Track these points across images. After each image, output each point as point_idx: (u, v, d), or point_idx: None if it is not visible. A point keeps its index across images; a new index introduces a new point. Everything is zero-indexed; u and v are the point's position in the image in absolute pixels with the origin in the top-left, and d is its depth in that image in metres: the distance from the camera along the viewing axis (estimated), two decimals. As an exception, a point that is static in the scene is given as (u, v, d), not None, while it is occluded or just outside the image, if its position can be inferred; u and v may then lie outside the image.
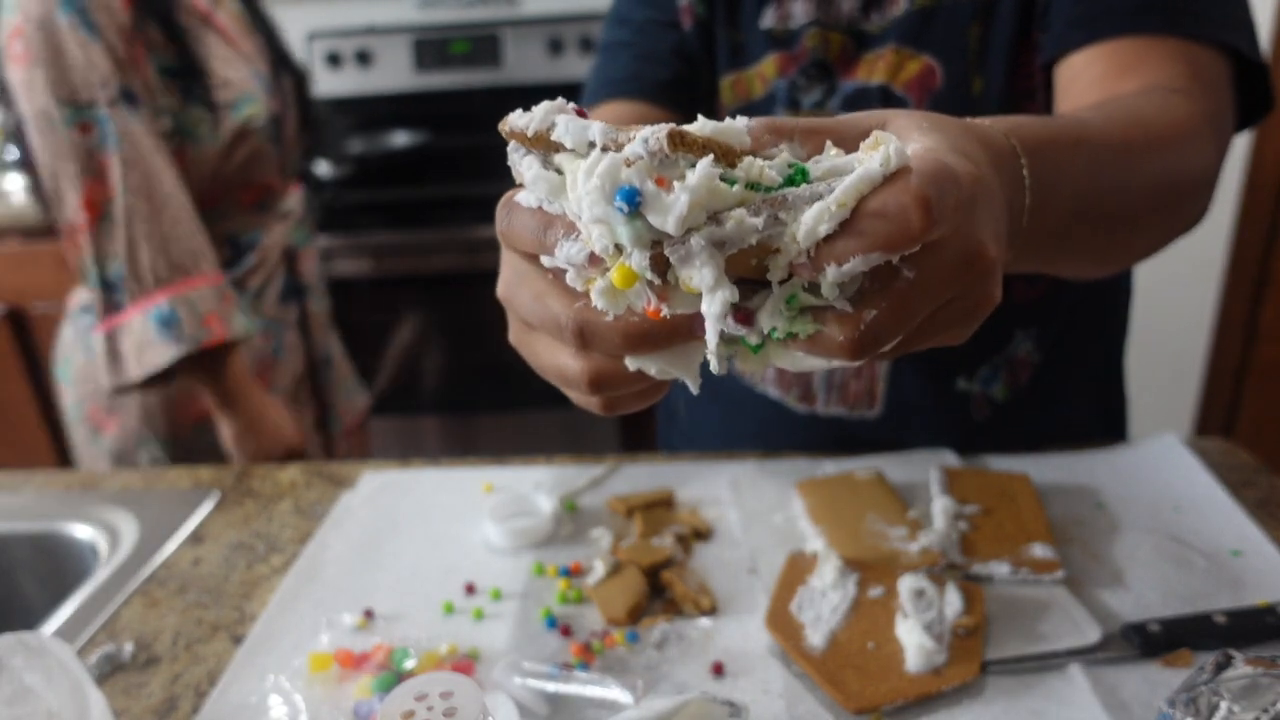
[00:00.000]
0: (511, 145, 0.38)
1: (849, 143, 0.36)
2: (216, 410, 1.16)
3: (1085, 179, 0.50)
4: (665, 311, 0.35)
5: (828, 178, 0.33)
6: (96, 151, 1.06)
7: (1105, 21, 0.67)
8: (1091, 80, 0.67)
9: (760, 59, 0.83)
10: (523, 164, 0.38)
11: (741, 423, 0.90)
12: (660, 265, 0.33)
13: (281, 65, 1.33)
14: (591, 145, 0.35)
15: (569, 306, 0.38)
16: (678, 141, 0.33)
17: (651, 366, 0.39)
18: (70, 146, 1.06)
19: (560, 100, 0.37)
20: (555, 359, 0.41)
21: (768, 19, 0.82)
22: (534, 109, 0.37)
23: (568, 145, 0.36)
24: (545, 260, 0.37)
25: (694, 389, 0.39)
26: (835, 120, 0.39)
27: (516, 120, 0.37)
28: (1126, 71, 0.65)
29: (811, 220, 0.32)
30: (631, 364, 0.39)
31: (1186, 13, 0.66)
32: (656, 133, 0.33)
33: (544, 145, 0.37)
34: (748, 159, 0.34)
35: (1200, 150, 0.61)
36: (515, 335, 0.44)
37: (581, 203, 0.34)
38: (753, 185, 0.34)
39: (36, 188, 1.14)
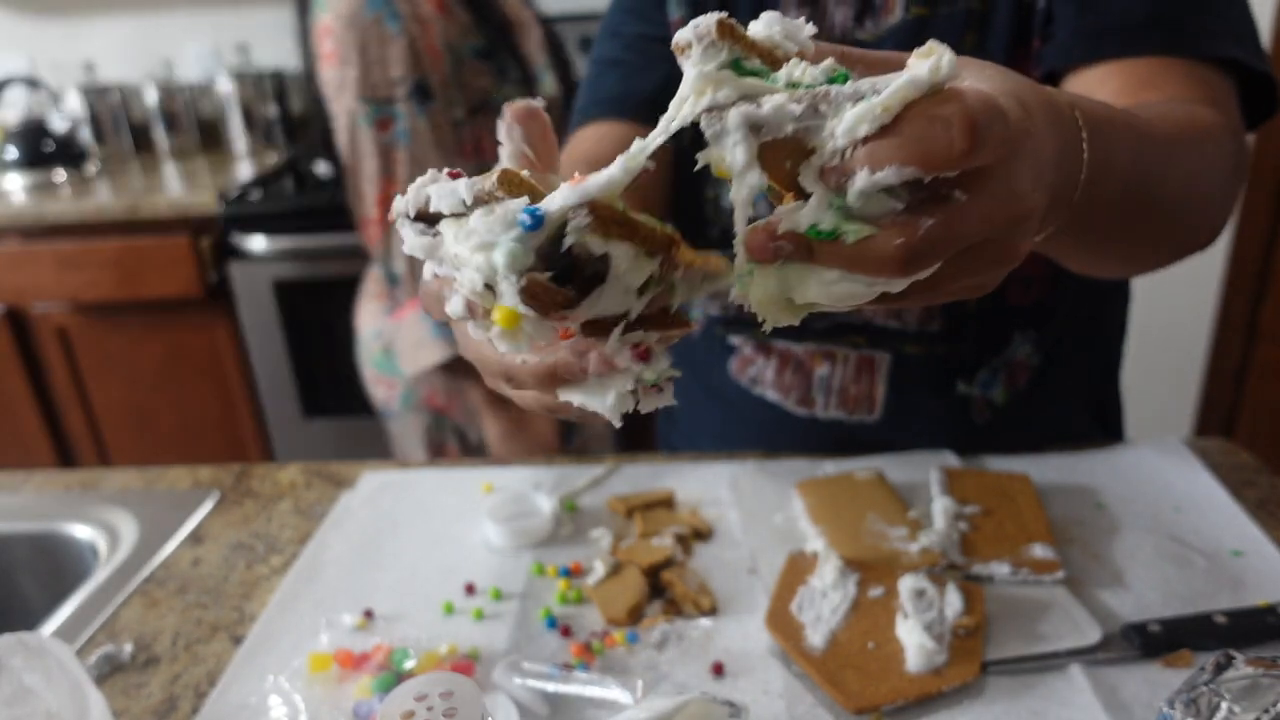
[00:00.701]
0: (398, 222, 0.38)
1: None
2: (484, 408, 1.19)
3: (1134, 164, 0.49)
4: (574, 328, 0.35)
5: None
6: (391, 148, 1.09)
7: (1110, 39, 0.67)
8: (1113, 93, 0.67)
9: None
10: (404, 233, 0.38)
11: (741, 427, 0.90)
12: (537, 294, 0.32)
13: (554, 46, 1.35)
14: (464, 203, 0.34)
15: (495, 355, 0.41)
16: (727, 32, 0.33)
17: (575, 397, 0.39)
18: (371, 144, 1.09)
19: (430, 173, 0.37)
20: (515, 393, 0.45)
21: None
22: (409, 188, 0.37)
23: (445, 212, 0.35)
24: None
25: (615, 422, 0.39)
26: (890, 54, 0.39)
27: (397, 206, 0.38)
28: (1145, 87, 0.65)
29: (853, 118, 0.31)
30: (560, 396, 0.39)
31: (1188, 31, 0.66)
32: (707, 20, 0.33)
33: (428, 218, 0.37)
34: (794, 60, 0.34)
35: (1226, 155, 0.61)
36: (486, 381, 0.48)
37: (457, 250, 0.34)
38: (794, 85, 0.33)
39: (339, 182, 1.17)
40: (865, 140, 0.31)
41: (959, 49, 0.74)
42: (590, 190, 0.32)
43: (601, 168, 0.33)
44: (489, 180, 0.34)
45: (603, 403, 0.38)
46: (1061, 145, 0.40)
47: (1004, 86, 0.36)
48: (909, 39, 0.76)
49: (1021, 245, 0.36)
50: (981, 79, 0.37)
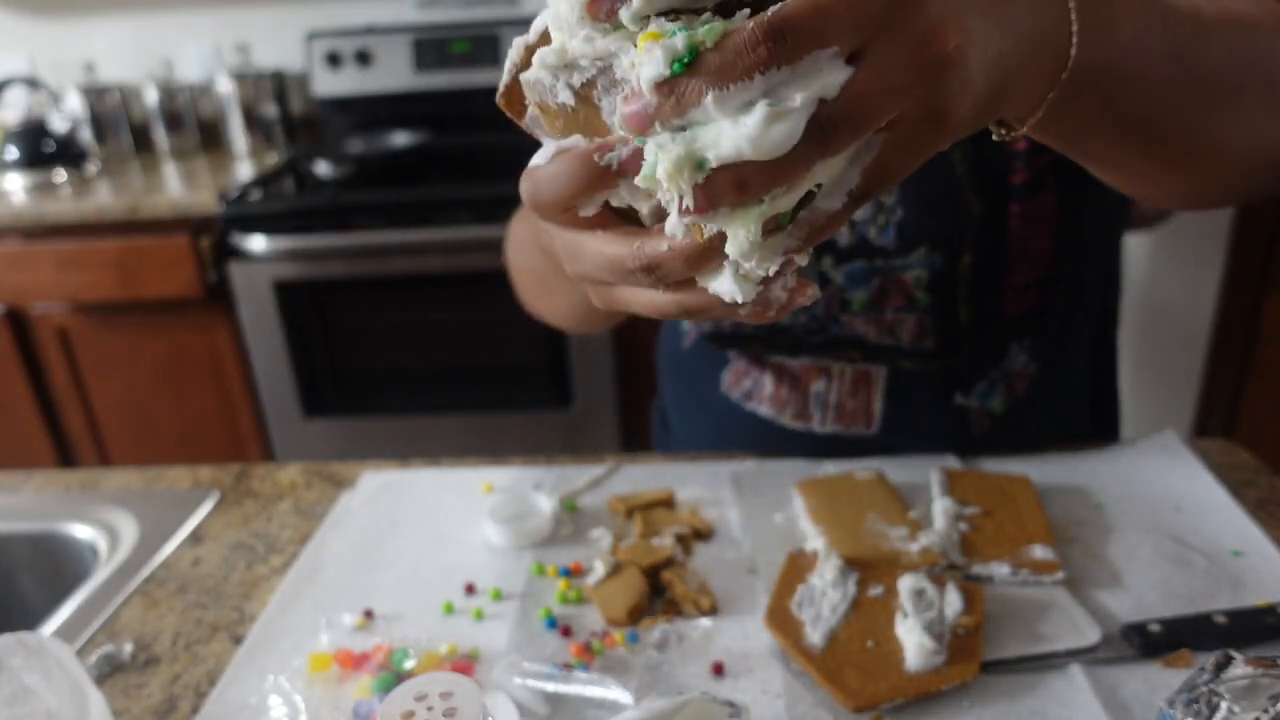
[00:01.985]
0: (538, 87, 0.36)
1: None
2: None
3: (1162, 38, 0.44)
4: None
5: None
6: None
7: None
8: None
9: None
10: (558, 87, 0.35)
11: (735, 442, 0.89)
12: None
13: None
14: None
15: (631, 249, 0.37)
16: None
17: (722, 283, 0.36)
18: None
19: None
20: (646, 299, 0.40)
21: None
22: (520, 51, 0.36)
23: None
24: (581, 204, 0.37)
25: (746, 302, 0.36)
26: None
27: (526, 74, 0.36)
28: None
29: None
30: (707, 284, 0.37)
31: None
32: None
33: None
34: None
35: None
36: (599, 298, 0.43)
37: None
38: None
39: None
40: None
41: None
42: None
43: None
44: None
45: (746, 286, 0.35)
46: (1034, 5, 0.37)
47: None
48: None
49: (954, 100, 0.33)
50: None
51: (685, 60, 0.30)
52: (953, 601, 0.60)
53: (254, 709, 0.58)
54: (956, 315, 0.79)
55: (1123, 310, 0.94)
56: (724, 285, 0.36)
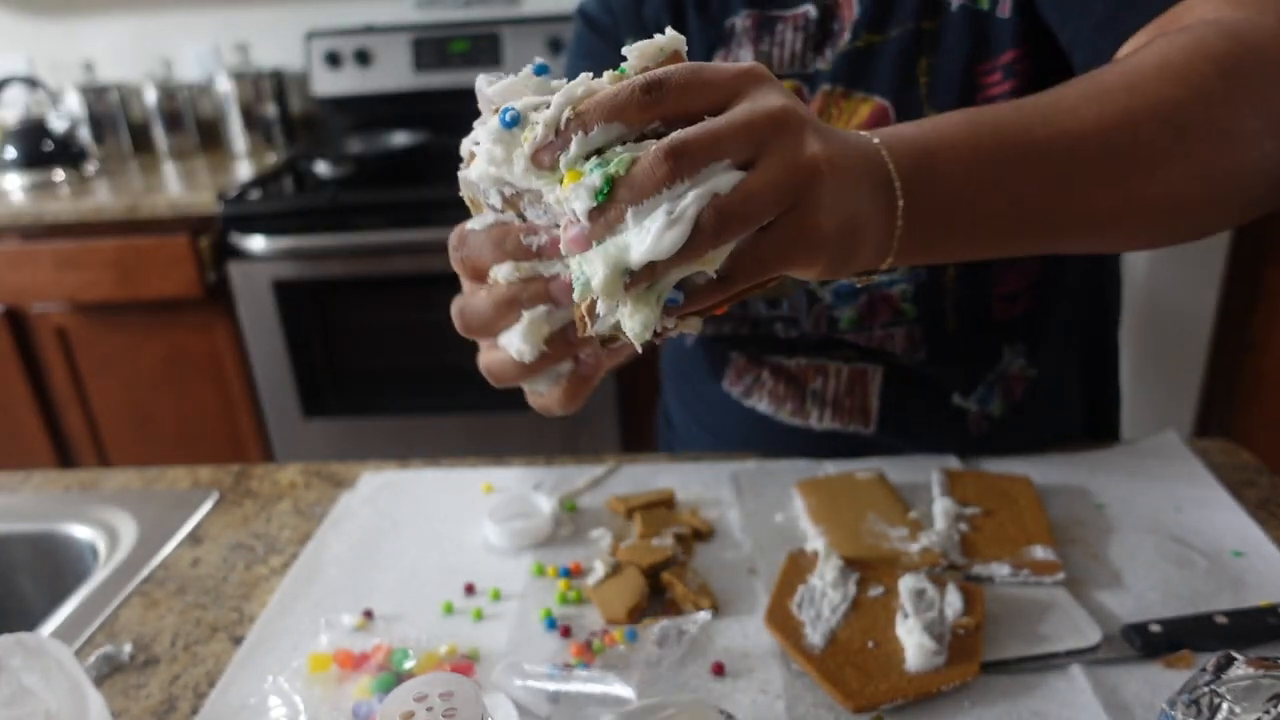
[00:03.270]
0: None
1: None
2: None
3: (975, 165, 0.47)
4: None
5: None
6: None
7: (1128, 13, 0.59)
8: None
9: None
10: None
11: (735, 440, 0.89)
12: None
13: None
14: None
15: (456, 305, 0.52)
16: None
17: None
18: None
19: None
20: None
21: None
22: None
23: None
24: (497, 270, 0.48)
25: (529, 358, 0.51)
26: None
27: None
28: (1172, 24, 0.56)
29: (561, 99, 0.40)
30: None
31: None
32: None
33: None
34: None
35: (1180, 92, 0.49)
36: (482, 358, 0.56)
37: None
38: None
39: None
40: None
41: (913, 74, 0.74)
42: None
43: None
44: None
45: (531, 348, 0.49)
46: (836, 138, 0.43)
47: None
48: (863, 69, 0.75)
49: (800, 149, 0.39)
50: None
51: (604, 191, 0.38)
52: (953, 602, 0.60)
53: (253, 709, 0.58)
54: (945, 325, 0.79)
55: (1123, 311, 0.94)
56: (513, 342, 0.47)
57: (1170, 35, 0.53)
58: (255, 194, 1.96)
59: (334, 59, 2.34)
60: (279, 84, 2.42)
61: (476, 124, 0.45)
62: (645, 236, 0.37)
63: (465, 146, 0.46)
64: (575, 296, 0.40)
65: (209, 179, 2.15)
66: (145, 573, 0.73)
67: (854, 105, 0.76)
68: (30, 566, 0.83)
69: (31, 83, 2.26)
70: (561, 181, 0.39)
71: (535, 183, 0.41)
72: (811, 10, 0.77)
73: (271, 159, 2.32)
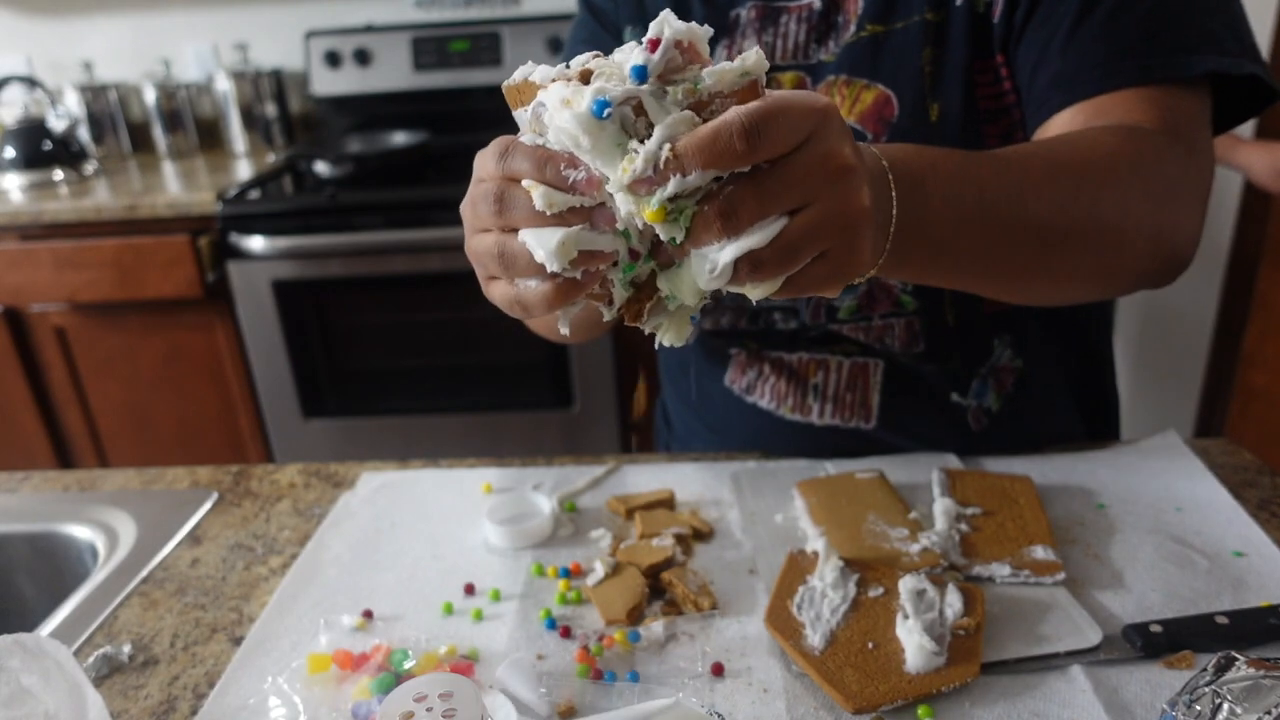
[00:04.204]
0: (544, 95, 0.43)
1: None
2: None
3: (975, 202, 0.55)
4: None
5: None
6: None
7: (1084, 78, 0.67)
8: (1056, 133, 0.67)
9: None
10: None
11: (736, 436, 0.90)
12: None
13: None
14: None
15: (494, 241, 0.47)
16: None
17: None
18: None
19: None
20: (499, 292, 0.49)
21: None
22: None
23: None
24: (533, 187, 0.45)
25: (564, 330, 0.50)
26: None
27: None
28: (1093, 121, 0.66)
29: (666, 127, 0.40)
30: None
31: (1159, 51, 0.66)
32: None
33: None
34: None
35: (1151, 180, 0.61)
36: (483, 284, 0.51)
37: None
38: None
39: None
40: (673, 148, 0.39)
41: (918, 64, 0.76)
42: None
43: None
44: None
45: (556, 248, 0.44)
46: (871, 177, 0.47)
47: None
48: (868, 58, 0.76)
49: (856, 201, 0.43)
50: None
51: (676, 241, 0.42)
52: (953, 602, 0.60)
53: (253, 710, 0.58)
54: (944, 317, 0.80)
55: (1124, 313, 0.93)
56: (544, 246, 0.44)
57: (1106, 130, 0.64)
58: (254, 194, 1.96)
59: (333, 59, 2.34)
60: (278, 84, 2.42)
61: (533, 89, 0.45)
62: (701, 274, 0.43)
63: (547, 73, 0.45)
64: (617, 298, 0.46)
65: (208, 179, 2.15)
66: (144, 573, 0.73)
67: (857, 92, 0.77)
68: (30, 566, 0.83)
69: (31, 82, 2.26)
70: (640, 207, 0.41)
71: (606, 166, 0.42)
72: (816, 1, 0.78)
73: (271, 159, 2.32)
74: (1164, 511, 0.72)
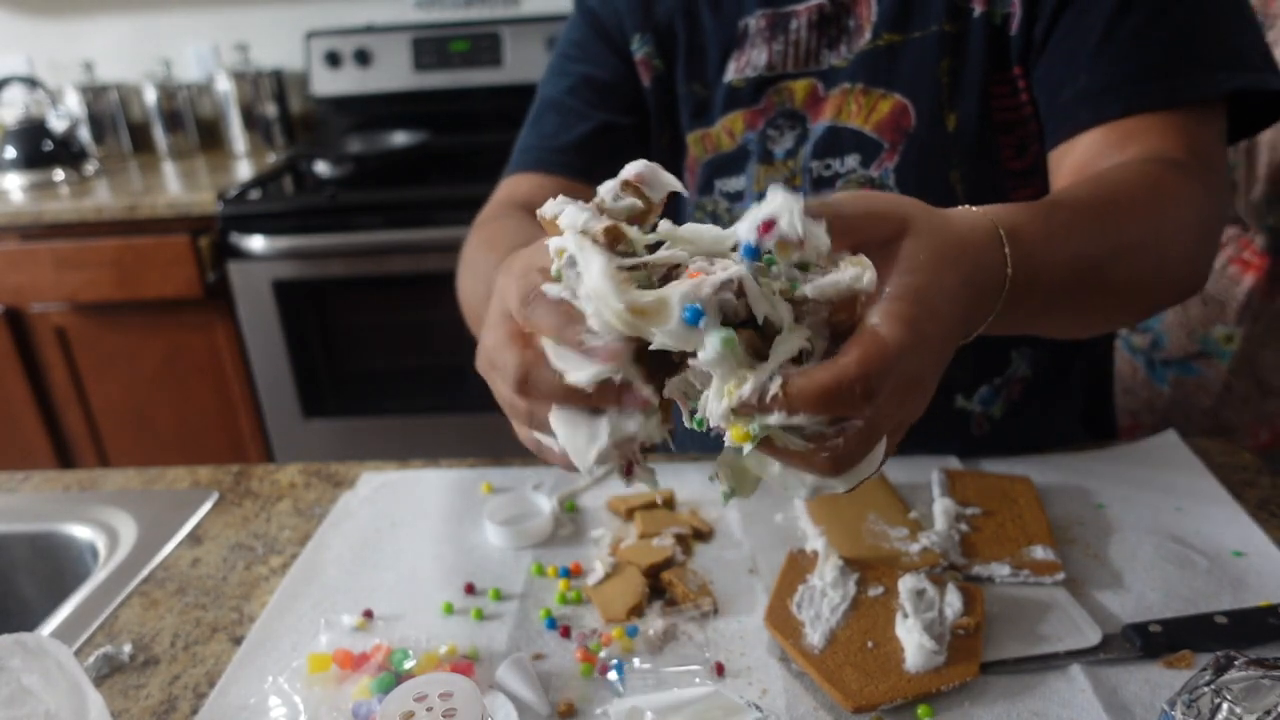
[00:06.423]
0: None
1: (855, 231, 0.41)
2: None
3: (1068, 247, 0.53)
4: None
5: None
6: None
7: (1111, 97, 0.67)
8: (1083, 155, 0.67)
9: (726, 114, 0.83)
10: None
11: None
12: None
13: None
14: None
15: (519, 359, 0.44)
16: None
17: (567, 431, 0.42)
18: None
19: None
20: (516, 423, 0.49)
21: (730, 72, 0.82)
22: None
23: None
24: (552, 349, 0.42)
25: (585, 473, 0.44)
26: (852, 205, 0.42)
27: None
28: (1119, 147, 0.66)
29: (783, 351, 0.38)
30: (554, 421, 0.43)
31: (1182, 72, 0.65)
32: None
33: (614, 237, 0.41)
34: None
35: (1189, 212, 0.61)
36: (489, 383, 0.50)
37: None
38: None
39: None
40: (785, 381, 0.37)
41: (935, 75, 0.76)
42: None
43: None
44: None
45: (588, 446, 0.42)
46: (969, 272, 0.45)
47: (924, 283, 0.41)
48: (884, 67, 0.76)
49: (922, 408, 0.43)
50: (907, 275, 0.42)
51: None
52: (952, 602, 0.60)
53: (253, 710, 0.58)
54: None
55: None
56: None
57: (1149, 164, 0.63)
58: (255, 194, 1.96)
59: (334, 59, 2.34)
60: (279, 84, 2.42)
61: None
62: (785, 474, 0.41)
63: (552, 210, 0.43)
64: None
65: (209, 179, 2.15)
66: (145, 573, 0.73)
67: (873, 101, 0.77)
68: (30, 566, 0.83)
69: (31, 82, 2.26)
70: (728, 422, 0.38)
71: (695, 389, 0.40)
72: (826, 1, 0.78)
73: (271, 159, 2.32)
74: (1163, 511, 0.72)
